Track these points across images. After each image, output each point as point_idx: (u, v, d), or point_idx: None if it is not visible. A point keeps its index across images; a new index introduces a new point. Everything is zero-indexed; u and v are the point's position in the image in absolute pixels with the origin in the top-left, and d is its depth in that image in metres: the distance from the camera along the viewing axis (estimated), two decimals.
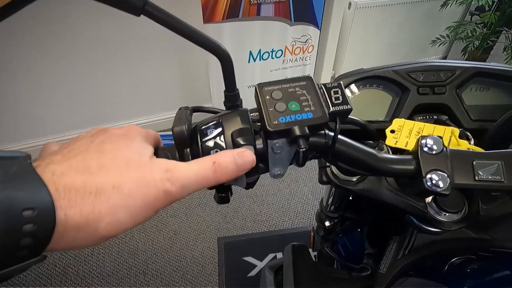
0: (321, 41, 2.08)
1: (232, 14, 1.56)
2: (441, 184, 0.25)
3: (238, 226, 1.55)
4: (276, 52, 1.83)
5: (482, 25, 2.14)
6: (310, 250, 0.52)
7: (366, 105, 0.44)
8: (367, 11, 2.05)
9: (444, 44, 2.31)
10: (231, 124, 0.26)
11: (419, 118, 0.42)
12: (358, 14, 2.03)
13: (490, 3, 2.13)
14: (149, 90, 1.85)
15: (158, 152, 0.27)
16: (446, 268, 0.31)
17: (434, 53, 2.65)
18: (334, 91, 0.26)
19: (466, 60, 2.17)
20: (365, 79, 0.44)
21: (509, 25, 2.21)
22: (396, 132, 0.34)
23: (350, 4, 2.00)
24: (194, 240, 1.48)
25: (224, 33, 1.58)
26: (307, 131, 0.24)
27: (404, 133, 0.33)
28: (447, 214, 0.32)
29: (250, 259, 1.43)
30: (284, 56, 1.87)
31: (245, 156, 0.24)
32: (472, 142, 0.36)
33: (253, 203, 1.66)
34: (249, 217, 1.60)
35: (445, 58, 2.72)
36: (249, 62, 1.77)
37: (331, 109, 0.25)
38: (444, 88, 0.41)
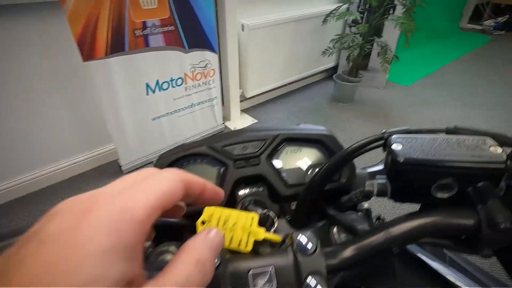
0: (222, 63, 2.13)
1: (117, 48, 1.46)
2: None
3: None
4: (176, 81, 1.78)
5: (359, 35, 2.48)
6: None
7: None
8: (260, 31, 2.18)
9: (332, 54, 2.60)
10: None
11: (240, 192, 0.41)
12: (252, 34, 2.13)
13: (359, 18, 2.49)
14: (40, 139, 1.60)
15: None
16: None
17: (328, 62, 2.97)
18: None
19: (351, 67, 2.48)
20: (187, 157, 0.42)
21: (377, 34, 2.62)
22: (207, 224, 0.32)
23: (243, 26, 2.10)
24: None
25: (111, 69, 1.47)
26: None
27: (213, 223, 0.32)
28: None
29: None
30: (186, 83, 1.84)
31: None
32: (285, 219, 0.38)
33: None
34: None
35: (336, 66, 3.08)
36: (147, 94, 1.68)
37: None
38: (258, 159, 0.41)
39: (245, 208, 0.38)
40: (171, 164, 0.42)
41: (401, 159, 0.24)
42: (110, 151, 1.87)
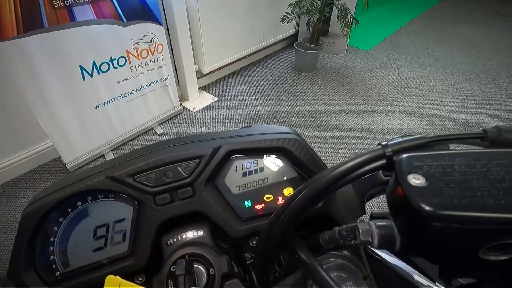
0: (171, 37, 1.89)
1: (33, 25, 1.19)
2: None
3: None
4: (118, 60, 1.54)
5: None
6: None
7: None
8: (212, 1, 1.94)
9: (291, 21, 2.44)
10: None
11: (169, 241, 0.29)
12: (204, 5, 1.89)
13: None
14: None
15: None
16: None
17: (287, 30, 2.81)
18: None
19: (312, 33, 2.36)
20: (76, 196, 0.29)
21: None
22: None
23: None
24: None
25: (30, 51, 1.20)
26: None
27: None
28: None
29: None
30: (130, 62, 1.60)
31: None
32: None
33: None
34: None
35: (296, 33, 2.93)
36: (84, 79, 1.44)
37: None
38: (190, 187, 0.29)
39: (174, 281, 0.26)
40: (50, 211, 0.28)
41: (429, 212, 0.14)
42: (50, 147, 1.62)
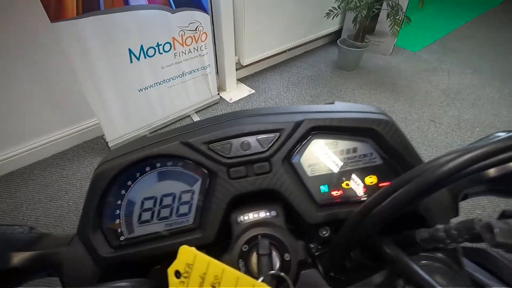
0: (215, 26, 1.90)
1: (90, 6, 1.24)
2: None
3: None
4: (164, 46, 1.58)
5: None
6: None
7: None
8: None
9: (337, 16, 2.35)
10: None
11: (239, 219, 0.27)
12: None
13: None
14: (18, 116, 1.44)
15: None
16: None
17: (331, 25, 2.72)
18: None
19: (357, 30, 2.25)
20: (146, 161, 0.28)
21: None
22: (183, 277, 0.19)
23: None
24: None
25: (85, 32, 1.27)
26: None
27: (194, 282, 0.19)
28: None
29: None
30: (175, 49, 1.63)
31: None
32: None
33: None
34: None
35: (340, 30, 2.82)
36: (131, 62, 1.49)
37: None
38: (267, 163, 0.27)
39: (246, 261, 0.24)
40: (120, 173, 0.27)
41: None
42: (95, 126, 1.71)
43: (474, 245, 0.22)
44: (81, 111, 1.64)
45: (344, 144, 0.29)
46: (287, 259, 0.24)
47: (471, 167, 0.17)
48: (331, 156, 0.28)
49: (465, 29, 3.35)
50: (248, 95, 2.19)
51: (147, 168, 0.28)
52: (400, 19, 2.16)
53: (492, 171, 0.25)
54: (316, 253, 0.28)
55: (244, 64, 2.23)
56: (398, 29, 2.20)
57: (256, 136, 0.27)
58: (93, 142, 1.74)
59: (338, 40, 2.45)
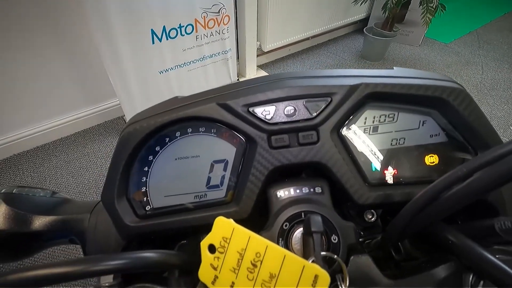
0: (238, 9, 1.85)
1: None
2: None
3: None
4: (186, 28, 1.55)
5: None
6: None
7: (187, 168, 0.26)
8: None
9: (365, 2, 2.24)
10: None
11: (278, 193, 0.24)
12: None
13: None
14: (43, 93, 1.48)
15: None
16: None
17: (358, 13, 2.60)
18: None
19: (386, 18, 2.14)
20: (179, 123, 0.25)
21: None
22: (218, 252, 0.17)
23: None
24: None
25: (109, 9, 1.26)
26: None
27: (231, 259, 0.17)
28: None
29: None
30: (197, 31, 1.60)
31: None
32: None
33: None
34: None
35: (368, 17, 2.69)
36: (153, 43, 1.48)
37: None
38: (315, 132, 0.23)
39: (286, 241, 0.22)
40: (149, 136, 0.25)
41: None
42: (116, 106, 1.73)
43: None
44: (104, 91, 1.66)
45: (403, 116, 0.25)
46: (335, 241, 0.21)
47: None
48: (387, 129, 0.25)
49: (503, 20, 3.12)
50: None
51: (177, 133, 0.26)
52: (434, 6, 2.03)
53: None
54: (359, 240, 0.25)
55: (266, 50, 2.18)
56: (431, 17, 2.07)
57: (304, 100, 0.24)
58: (114, 122, 1.76)
59: (364, 28, 2.34)
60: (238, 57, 2.09)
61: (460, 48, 2.59)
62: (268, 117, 0.24)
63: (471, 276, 0.18)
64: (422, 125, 0.25)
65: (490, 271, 0.16)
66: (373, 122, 0.25)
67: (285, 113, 0.24)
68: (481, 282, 0.18)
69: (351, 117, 0.25)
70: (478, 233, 0.19)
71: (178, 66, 1.65)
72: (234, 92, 0.26)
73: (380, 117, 0.25)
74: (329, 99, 0.24)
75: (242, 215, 0.24)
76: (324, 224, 0.21)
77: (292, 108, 0.24)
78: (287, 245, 0.21)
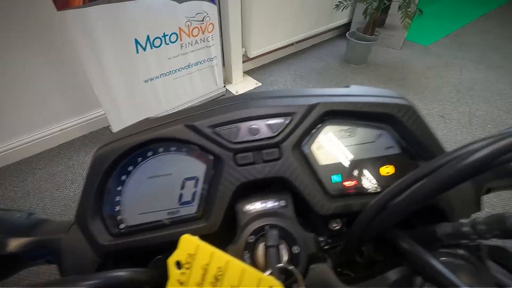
0: (222, 17, 1.87)
1: None
2: None
3: None
4: (170, 36, 1.56)
5: None
6: None
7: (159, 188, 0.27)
8: None
9: (347, 8, 2.30)
10: None
11: (245, 208, 0.25)
12: None
13: None
14: (25, 105, 1.45)
15: None
16: None
17: (340, 18, 2.66)
18: None
19: (367, 23, 2.20)
20: (148, 144, 0.26)
21: None
22: (184, 268, 0.18)
23: None
24: None
25: (91, 21, 1.26)
26: None
27: (196, 274, 0.18)
28: None
29: None
30: (181, 39, 1.61)
31: None
32: None
33: None
34: None
35: (350, 22, 2.76)
36: (137, 52, 1.48)
37: None
38: (277, 149, 0.25)
39: (251, 253, 0.23)
40: (121, 157, 0.26)
41: None
42: (101, 116, 1.72)
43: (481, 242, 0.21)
44: (88, 101, 1.64)
45: (359, 131, 0.27)
46: (296, 252, 0.22)
47: (502, 156, 0.15)
48: (345, 143, 0.27)
49: (479, 23, 3.25)
50: (255, 88, 2.16)
51: (149, 153, 0.27)
52: (412, 11, 2.10)
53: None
54: (325, 247, 0.26)
55: (251, 57, 2.20)
56: (410, 22, 2.14)
57: (266, 120, 0.26)
58: (100, 132, 1.74)
59: (347, 33, 2.40)
60: (224, 64, 2.11)
61: (439, 50, 2.69)
62: (233, 136, 0.25)
63: (419, 279, 0.20)
64: (378, 138, 0.27)
65: (433, 275, 0.18)
66: (334, 136, 0.27)
67: (249, 132, 0.25)
68: (426, 284, 0.19)
69: (311, 134, 0.26)
70: (426, 238, 0.21)
71: (164, 74, 1.66)
72: (201, 113, 0.27)
73: (339, 132, 0.27)
74: (289, 118, 0.25)
75: (211, 230, 0.25)
76: (286, 236, 0.23)
77: (256, 127, 0.25)
78: (253, 258, 0.23)
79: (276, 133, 0.25)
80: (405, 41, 2.69)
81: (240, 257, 0.23)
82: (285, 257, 0.22)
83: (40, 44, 1.37)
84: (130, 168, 0.27)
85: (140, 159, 0.27)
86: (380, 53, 2.60)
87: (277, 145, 0.25)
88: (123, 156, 0.26)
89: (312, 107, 0.26)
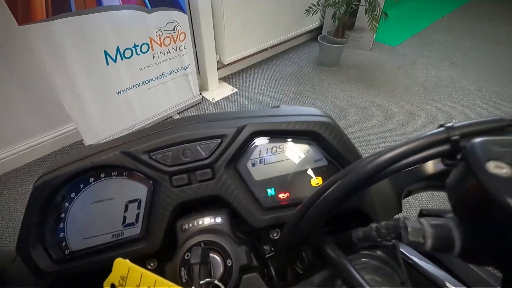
0: (194, 26, 1.88)
1: (61, 8, 1.21)
2: None
3: None
4: (141, 47, 1.55)
5: None
6: None
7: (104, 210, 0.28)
8: None
9: (317, 13, 2.37)
10: None
11: (184, 225, 0.27)
12: None
13: None
14: None
15: None
16: None
17: (312, 22, 2.74)
18: None
19: (337, 27, 2.27)
20: (88, 172, 0.27)
21: None
22: None
23: None
24: None
25: (57, 34, 1.23)
26: None
27: None
28: None
29: None
30: (153, 49, 1.61)
31: None
32: None
33: None
34: None
35: (321, 26, 2.85)
36: (108, 64, 1.46)
37: None
38: (210, 169, 0.27)
39: (188, 268, 0.24)
40: (60, 187, 0.27)
41: None
42: (73, 130, 1.67)
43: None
44: (59, 116, 1.59)
45: (289, 147, 0.29)
46: (229, 264, 0.24)
47: (389, 167, 0.17)
48: (277, 159, 0.29)
49: (442, 22, 3.44)
50: (231, 94, 2.18)
51: (91, 179, 0.28)
52: (377, 14, 2.19)
53: (430, 169, 0.26)
54: (267, 255, 0.28)
55: (226, 63, 2.22)
56: (376, 24, 2.24)
57: (198, 143, 0.27)
58: (72, 147, 1.69)
59: (318, 37, 2.47)
60: (199, 72, 2.11)
61: (406, 50, 2.82)
62: (168, 160, 0.27)
63: (340, 283, 0.22)
64: (307, 152, 0.29)
65: (346, 278, 0.20)
66: (266, 153, 0.29)
67: (183, 155, 0.27)
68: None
69: (244, 153, 0.28)
70: (345, 242, 0.23)
71: (136, 85, 1.64)
72: (138, 139, 0.28)
73: (271, 148, 0.29)
74: (219, 140, 0.27)
75: (152, 250, 0.26)
76: (221, 250, 0.24)
77: (189, 150, 0.27)
78: (189, 274, 0.24)
79: (208, 155, 0.27)
80: (374, 43, 2.80)
81: (177, 274, 0.24)
82: (220, 271, 0.24)
83: (5, 58, 1.32)
84: (72, 195, 0.28)
85: (82, 185, 0.28)
86: (351, 55, 2.69)
87: (210, 165, 0.27)
88: (62, 185, 0.27)
89: (240, 129, 0.28)
